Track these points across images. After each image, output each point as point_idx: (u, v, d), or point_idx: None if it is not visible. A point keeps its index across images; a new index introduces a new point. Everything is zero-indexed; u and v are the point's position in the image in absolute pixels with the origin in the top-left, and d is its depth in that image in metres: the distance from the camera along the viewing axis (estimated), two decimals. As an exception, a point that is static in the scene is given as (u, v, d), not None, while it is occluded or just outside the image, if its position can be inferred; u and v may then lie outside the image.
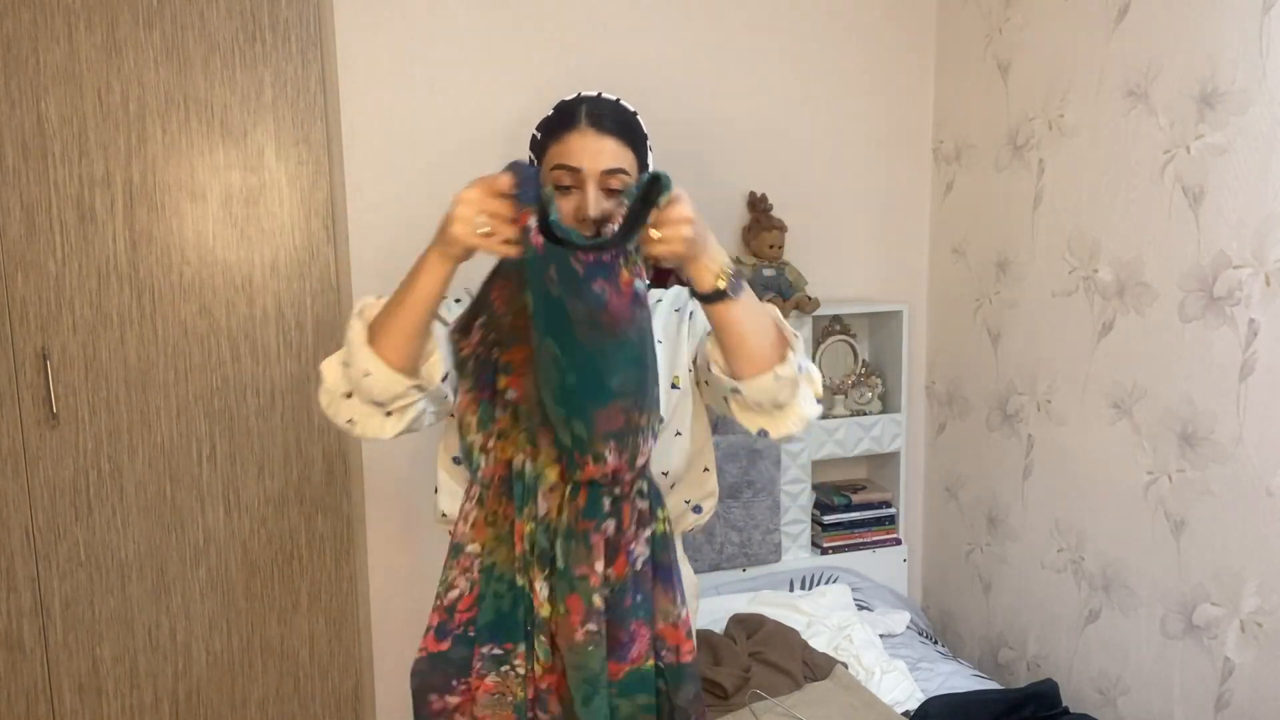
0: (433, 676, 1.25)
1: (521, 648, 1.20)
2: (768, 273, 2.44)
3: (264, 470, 2.20)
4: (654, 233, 1.07)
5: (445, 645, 1.24)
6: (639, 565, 1.18)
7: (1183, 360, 1.92)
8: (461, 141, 2.25)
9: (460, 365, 1.17)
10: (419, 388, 1.17)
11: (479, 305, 1.14)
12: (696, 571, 2.43)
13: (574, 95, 1.32)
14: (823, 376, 2.63)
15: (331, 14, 2.14)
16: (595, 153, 1.23)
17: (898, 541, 2.67)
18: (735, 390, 1.18)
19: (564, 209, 1.21)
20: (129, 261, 2.05)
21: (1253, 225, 1.76)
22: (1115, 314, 2.08)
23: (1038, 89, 2.27)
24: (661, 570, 1.21)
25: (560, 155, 1.25)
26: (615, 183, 1.24)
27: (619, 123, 1.29)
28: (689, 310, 1.37)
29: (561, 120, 1.28)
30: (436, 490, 1.42)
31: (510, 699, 1.20)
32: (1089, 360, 2.16)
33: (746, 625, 2.16)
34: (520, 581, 1.19)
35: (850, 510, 2.62)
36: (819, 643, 2.16)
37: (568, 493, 1.16)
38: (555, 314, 1.05)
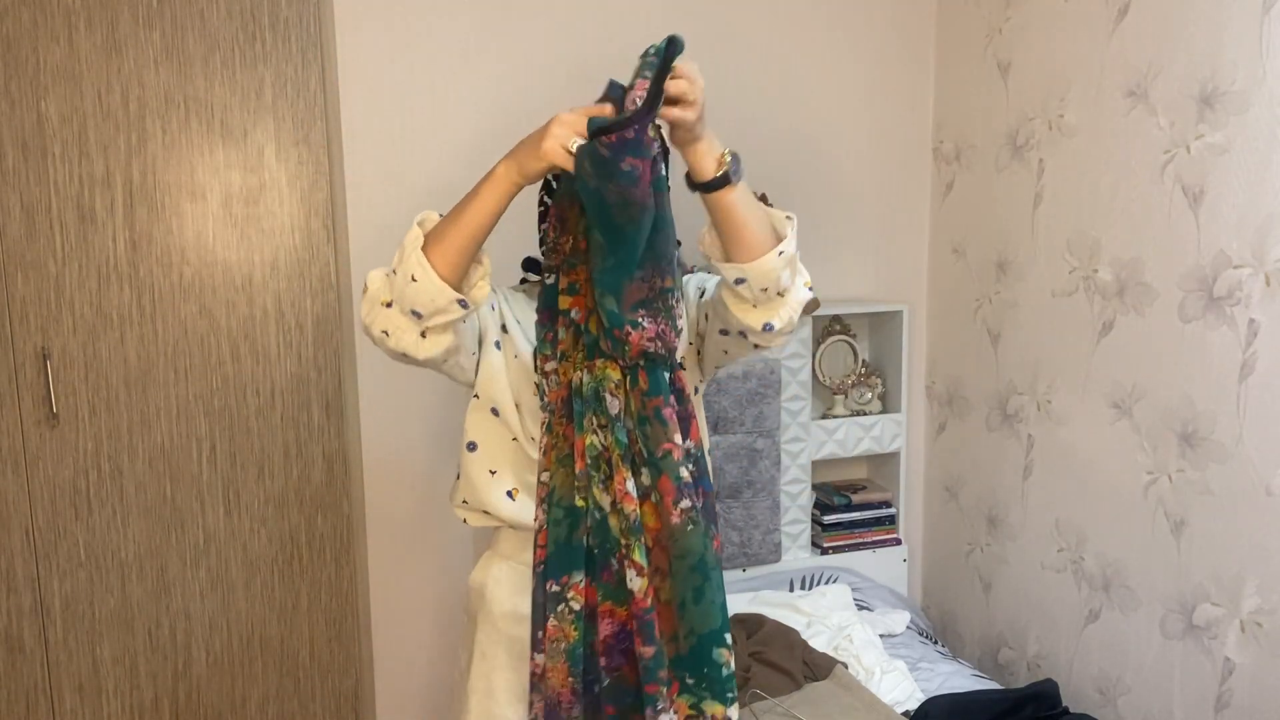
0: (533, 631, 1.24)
1: (578, 577, 1.17)
2: (768, 273, 2.44)
3: (264, 470, 2.20)
4: (675, 84, 1.10)
5: (534, 588, 1.22)
6: (705, 433, 1.22)
7: (1183, 360, 1.92)
8: (461, 141, 2.25)
9: (540, 280, 1.22)
10: (462, 304, 1.19)
11: (544, 234, 1.19)
12: (696, 571, 2.44)
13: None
14: (823, 376, 2.62)
15: (331, 14, 2.14)
16: None
17: (898, 541, 2.67)
18: (740, 280, 1.19)
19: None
20: (129, 261, 2.05)
21: (1253, 225, 1.76)
22: (1115, 314, 2.08)
23: (1038, 89, 2.27)
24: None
25: None
26: None
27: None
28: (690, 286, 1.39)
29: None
30: (459, 476, 1.43)
31: (564, 644, 1.17)
32: (1089, 360, 2.16)
33: (746, 625, 2.16)
34: (580, 502, 1.18)
35: (850, 510, 2.62)
36: (819, 643, 2.16)
37: (629, 382, 1.18)
38: (597, 205, 1.11)
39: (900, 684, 2.06)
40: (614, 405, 1.18)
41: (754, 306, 1.23)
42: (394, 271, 1.20)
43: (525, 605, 1.32)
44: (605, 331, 1.18)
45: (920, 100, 2.66)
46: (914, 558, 2.80)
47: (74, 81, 1.98)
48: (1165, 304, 1.95)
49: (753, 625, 2.16)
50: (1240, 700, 1.84)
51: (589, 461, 1.18)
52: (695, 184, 1.18)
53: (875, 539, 2.64)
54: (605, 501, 1.18)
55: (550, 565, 1.19)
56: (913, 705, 1.98)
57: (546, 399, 1.24)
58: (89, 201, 2.01)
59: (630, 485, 1.17)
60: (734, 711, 1.21)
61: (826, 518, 2.60)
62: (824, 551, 2.59)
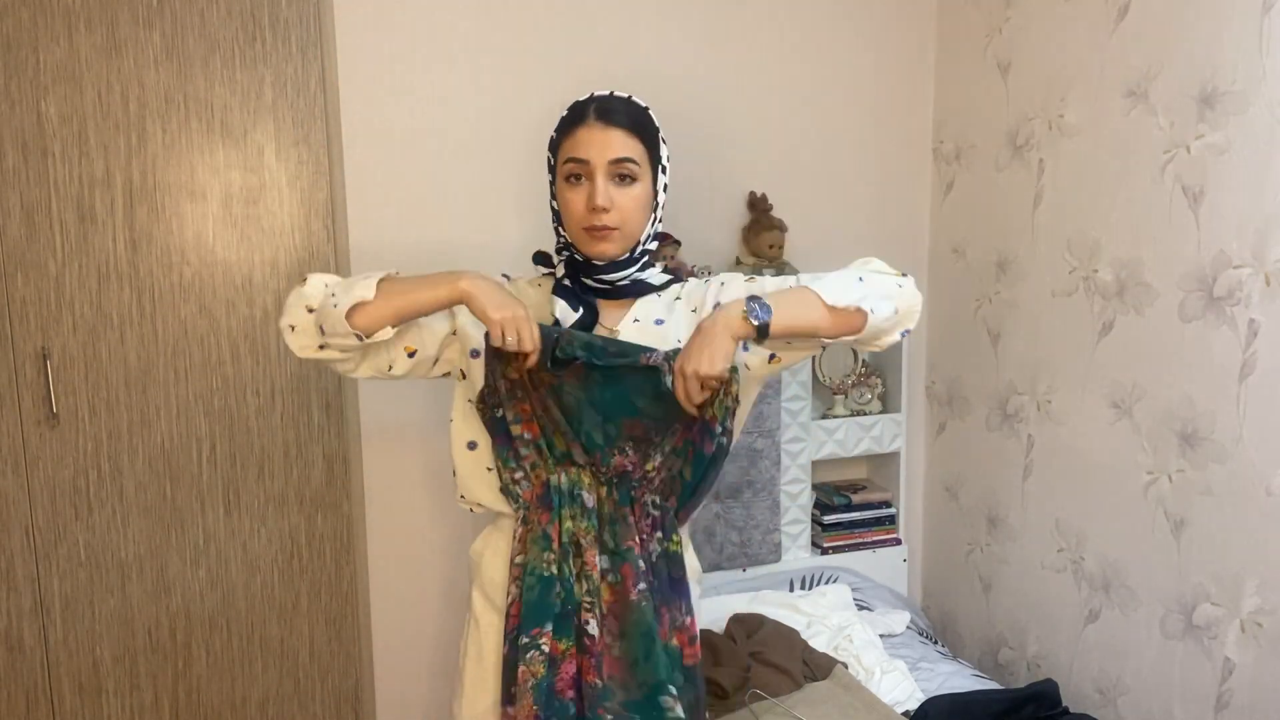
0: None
1: (548, 628, 1.36)
2: (768, 273, 2.44)
3: (264, 470, 2.20)
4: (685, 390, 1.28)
5: (506, 650, 1.41)
6: (654, 558, 1.39)
7: (1183, 360, 1.92)
8: (461, 142, 2.25)
9: (486, 427, 1.43)
10: (359, 337, 1.33)
11: (487, 386, 1.40)
12: (696, 571, 2.44)
13: (587, 95, 1.41)
14: (823, 376, 2.61)
15: (331, 14, 2.14)
16: (602, 144, 1.34)
17: (898, 541, 2.67)
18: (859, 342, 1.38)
19: (575, 199, 1.37)
20: (129, 261, 2.05)
21: (1253, 225, 1.76)
22: (1115, 314, 2.08)
23: (1038, 89, 2.27)
24: (674, 582, 1.40)
25: (570, 149, 1.36)
26: (623, 170, 1.35)
27: (626, 115, 1.38)
28: (708, 306, 1.44)
29: (572, 118, 1.39)
30: (455, 474, 1.52)
31: (531, 682, 1.35)
32: (1089, 360, 2.16)
33: (746, 625, 2.16)
34: (552, 571, 1.38)
35: (850, 510, 2.62)
36: (819, 643, 2.16)
37: (604, 492, 1.40)
38: (594, 350, 1.34)
39: (900, 684, 2.06)
40: (590, 500, 1.40)
41: (889, 336, 1.40)
42: (333, 295, 1.34)
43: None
44: (597, 446, 1.39)
45: (920, 100, 2.66)
46: (914, 558, 2.80)
47: (74, 81, 1.98)
48: (1165, 304, 1.95)
49: (753, 625, 2.16)
50: (1240, 700, 1.85)
51: (563, 543, 1.39)
52: (759, 344, 1.34)
53: (875, 539, 2.64)
54: (572, 572, 1.39)
55: (524, 623, 1.37)
56: (913, 705, 1.98)
57: (522, 498, 1.42)
58: (89, 201, 2.01)
59: (598, 562, 1.39)
60: None
61: (826, 518, 2.60)
62: (824, 551, 2.59)
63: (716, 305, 1.38)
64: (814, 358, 2.55)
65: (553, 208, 1.44)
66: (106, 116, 2.01)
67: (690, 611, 1.41)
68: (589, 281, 1.42)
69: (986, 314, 2.50)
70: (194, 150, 2.08)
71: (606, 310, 1.44)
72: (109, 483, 2.10)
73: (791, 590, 2.46)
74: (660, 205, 1.44)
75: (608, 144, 1.34)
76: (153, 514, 2.14)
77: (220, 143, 2.09)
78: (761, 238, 2.44)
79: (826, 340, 1.35)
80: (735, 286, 1.44)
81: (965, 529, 2.63)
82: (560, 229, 1.44)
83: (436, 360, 1.46)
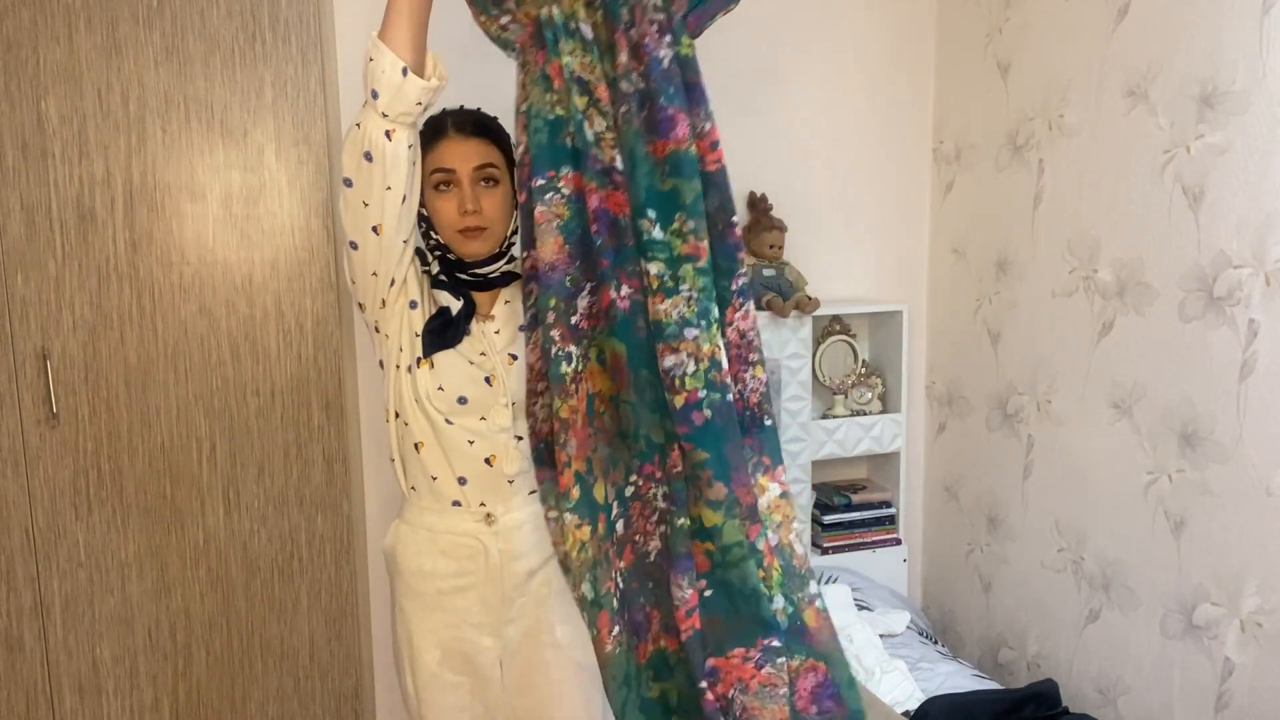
0: None
1: (565, 169, 1.34)
2: (768, 273, 2.44)
3: (264, 470, 2.20)
4: None
5: (522, 197, 1.39)
6: (664, 63, 1.30)
7: (1183, 360, 1.92)
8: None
9: None
10: (405, 71, 1.35)
11: None
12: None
13: (439, 111, 1.54)
14: (823, 376, 2.61)
15: (331, 14, 2.13)
16: (465, 154, 1.49)
17: (898, 541, 2.67)
18: None
19: (446, 206, 1.49)
20: (129, 261, 2.05)
21: (1253, 225, 1.76)
22: (1115, 314, 2.08)
23: (1038, 89, 2.27)
24: (690, 88, 1.32)
25: (436, 161, 1.50)
26: (486, 174, 1.49)
27: (482, 126, 1.54)
28: None
29: (432, 132, 1.51)
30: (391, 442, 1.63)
31: (557, 222, 1.34)
32: (1089, 360, 2.16)
33: (746, 625, 2.16)
34: (559, 113, 1.33)
35: (850, 510, 2.62)
36: (819, 643, 2.16)
37: (599, 17, 1.32)
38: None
39: (900, 684, 2.06)
40: (588, 31, 1.32)
41: None
42: (368, 75, 1.36)
43: (430, 563, 1.58)
44: None
45: (920, 100, 2.66)
46: (914, 558, 2.80)
47: (74, 81, 1.98)
48: (1165, 304, 1.95)
49: (753, 625, 2.16)
50: (1240, 700, 1.85)
51: (566, 78, 1.32)
52: None
53: (875, 539, 2.64)
54: (582, 105, 1.32)
55: (533, 166, 1.33)
56: (913, 705, 1.98)
57: (516, 41, 1.37)
58: (89, 201, 2.01)
59: (608, 94, 1.32)
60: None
61: (826, 518, 2.60)
62: (824, 551, 2.59)
63: None
64: (814, 357, 2.55)
65: (420, 214, 1.54)
66: (106, 116, 2.01)
67: (709, 118, 1.36)
68: (463, 276, 1.56)
69: (986, 314, 2.50)
70: (194, 150, 2.08)
71: (481, 299, 1.59)
72: (109, 483, 2.10)
73: (791, 590, 2.46)
74: (518, 204, 1.52)
75: (470, 153, 1.49)
76: (153, 514, 2.14)
77: (220, 143, 2.09)
78: (761, 238, 2.44)
79: None
80: None
81: (965, 529, 2.63)
82: (431, 233, 1.56)
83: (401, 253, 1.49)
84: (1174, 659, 1.98)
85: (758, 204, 2.48)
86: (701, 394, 1.32)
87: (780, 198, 2.51)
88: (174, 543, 2.16)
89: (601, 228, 1.34)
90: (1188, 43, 1.87)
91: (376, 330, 1.57)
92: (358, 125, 1.38)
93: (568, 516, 1.39)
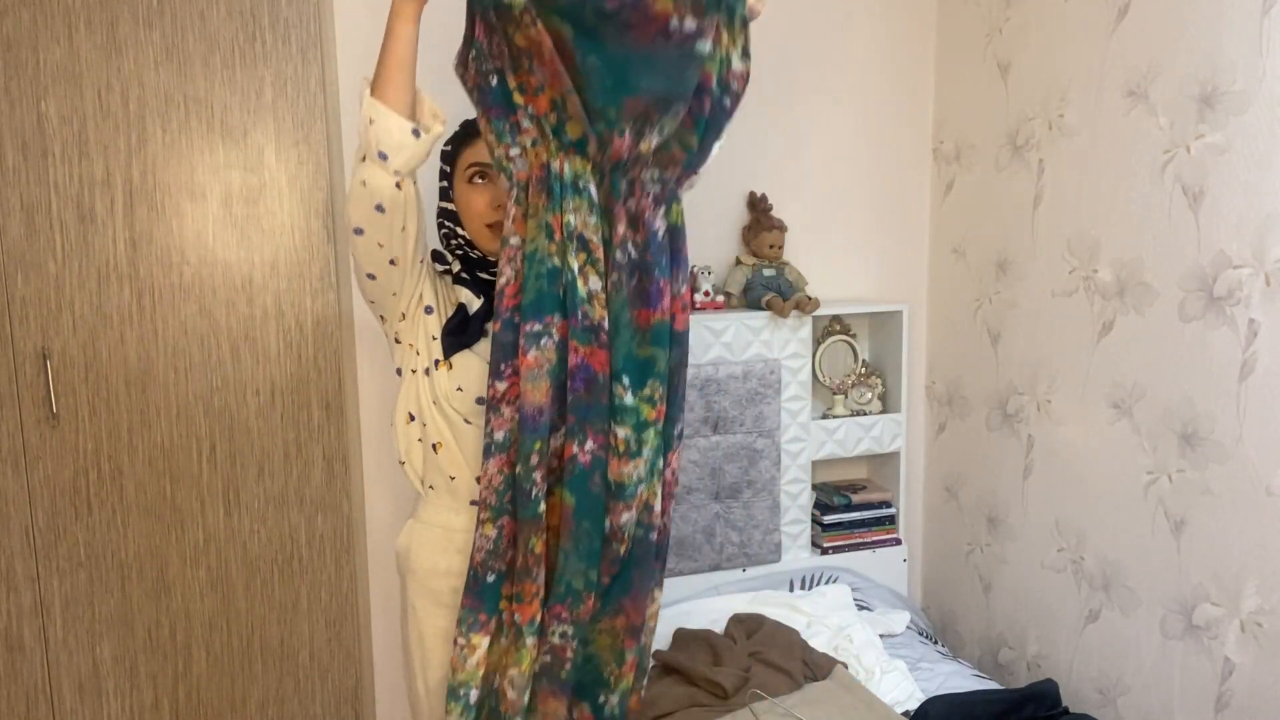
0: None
1: (557, 318, 1.38)
2: (768, 273, 2.44)
3: (264, 470, 2.21)
4: None
5: (496, 327, 1.41)
6: (659, 237, 1.38)
7: (1183, 360, 1.92)
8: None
9: (471, 94, 1.38)
10: (415, 132, 1.37)
11: (467, 43, 1.35)
12: (696, 572, 2.44)
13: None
14: (823, 376, 2.61)
15: (331, 14, 2.14)
16: None
17: (898, 541, 2.67)
18: None
19: (478, 198, 1.52)
20: (129, 261, 2.05)
21: (1253, 225, 1.76)
22: (1115, 314, 2.08)
23: (1038, 89, 2.27)
24: (675, 254, 1.42)
25: (472, 156, 1.53)
26: None
27: None
28: None
29: (469, 130, 1.55)
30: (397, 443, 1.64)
31: (548, 367, 1.38)
32: (1089, 360, 2.16)
33: (746, 625, 2.16)
34: (557, 263, 1.37)
35: (850, 510, 2.62)
36: (819, 643, 2.16)
37: (605, 183, 1.39)
38: (592, 35, 1.27)
39: (900, 684, 2.06)
40: (594, 193, 1.37)
41: None
42: (363, 134, 1.38)
43: (445, 562, 1.58)
44: (598, 132, 1.33)
45: (920, 100, 2.66)
46: (914, 558, 2.80)
47: (74, 81, 1.98)
48: (1165, 304, 1.95)
49: (753, 625, 2.16)
50: (1240, 700, 1.85)
51: (565, 234, 1.36)
52: None
53: (875, 539, 2.64)
54: (576, 267, 1.37)
55: (528, 310, 1.38)
56: (913, 705, 1.98)
57: (515, 177, 1.38)
58: (89, 201, 2.01)
59: (603, 252, 1.39)
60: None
61: (826, 518, 2.60)
62: (824, 551, 2.59)
63: None
64: (814, 357, 2.55)
65: (445, 209, 1.59)
66: (106, 116, 2.01)
67: (686, 280, 1.44)
68: (485, 275, 1.57)
69: (986, 314, 2.50)
70: (194, 150, 2.08)
71: None
72: (109, 483, 2.10)
73: (791, 590, 2.46)
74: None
75: None
76: (153, 514, 2.14)
77: (220, 143, 2.09)
78: (761, 238, 2.44)
79: None
80: None
81: (965, 529, 2.63)
82: (457, 229, 1.58)
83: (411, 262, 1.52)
84: (1174, 659, 1.98)
85: (758, 204, 2.48)
86: (637, 534, 1.47)
87: (780, 198, 2.51)
88: (174, 543, 2.16)
89: (579, 383, 1.39)
90: (1188, 43, 1.87)
91: (397, 341, 1.59)
92: (363, 184, 1.38)
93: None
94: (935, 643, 2.41)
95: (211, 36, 2.05)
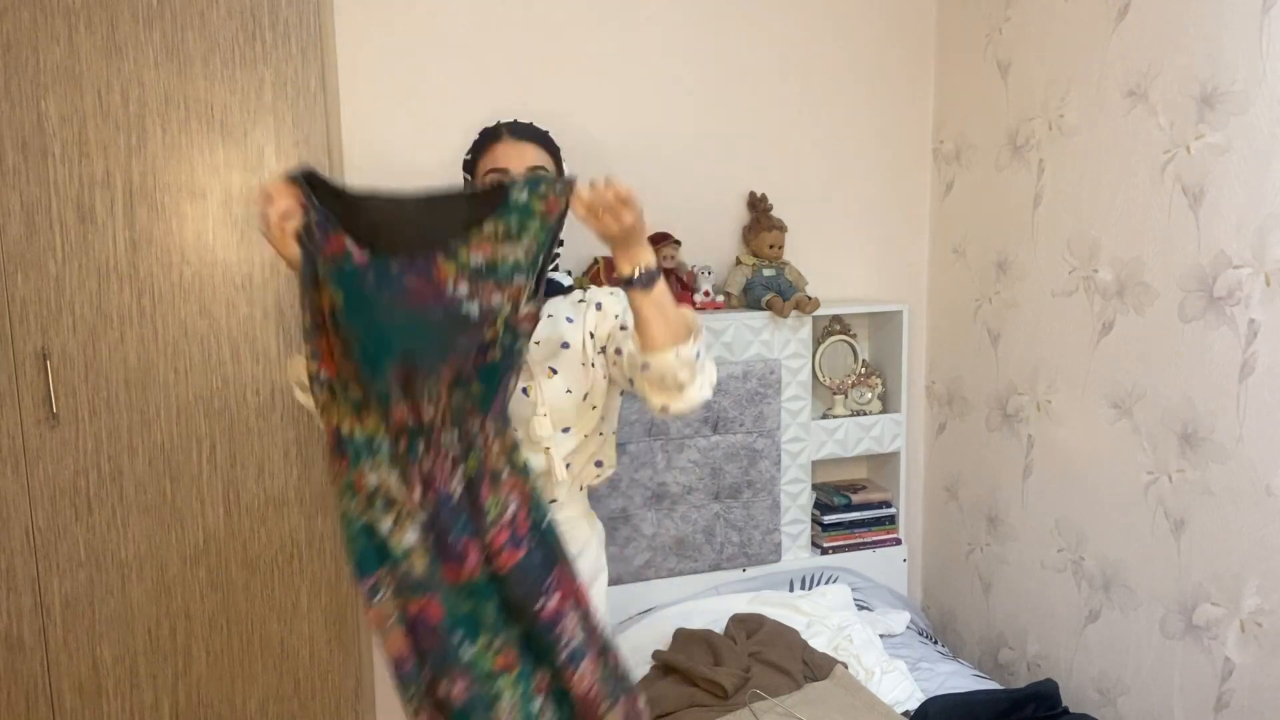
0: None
1: (384, 569, 1.38)
2: (768, 273, 2.44)
3: (264, 470, 2.21)
4: (584, 193, 1.31)
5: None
6: (455, 499, 1.37)
7: (1183, 360, 1.92)
8: (461, 142, 2.24)
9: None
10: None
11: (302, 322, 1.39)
12: (695, 572, 2.45)
13: (494, 123, 1.60)
14: (823, 376, 2.62)
15: (331, 14, 2.14)
16: (519, 155, 1.53)
17: (898, 541, 2.67)
18: (644, 365, 1.42)
19: None
20: (129, 261, 2.05)
21: (1253, 225, 1.76)
22: (1115, 314, 2.08)
23: (1038, 89, 2.27)
24: (477, 507, 1.39)
25: (491, 162, 1.54)
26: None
27: (535, 133, 1.58)
28: (595, 302, 1.61)
29: (487, 137, 1.58)
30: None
31: (393, 618, 1.39)
32: (1089, 360, 2.16)
33: (746, 625, 2.16)
34: (368, 521, 1.38)
35: (850, 510, 2.62)
36: (819, 643, 2.16)
37: (394, 442, 1.39)
38: (365, 304, 1.31)
39: (900, 684, 2.06)
40: (387, 447, 1.38)
41: (656, 389, 1.44)
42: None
43: None
44: (379, 400, 1.35)
45: (920, 100, 2.66)
46: (914, 558, 2.80)
47: (74, 81, 1.98)
48: (1165, 304, 1.95)
49: (753, 625, 2.16)
50: (1240, 700, 1.85)
51: (368, 493, 1.38)
52: (617, 280, 1.41)
53: (875, 539, 2.63)
54: (388, 525, 1.38)
55: (357, 570, 1.39)
56: (913, 705, 1.98)
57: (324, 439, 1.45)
58: (89, 201, 2.01)
59: (415, 512, 1.38)
60: None
61: (826, 518, 2.60)
62: (824, 551, 2.59)
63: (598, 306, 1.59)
64: (814, 357, 2.55)
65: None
66: (106, 116, 2.01)
67: (495, 524, 1.39)
68: None
69: (986, 314, 2.50)
70: (194, 150, 2.08)
71: None
72: (109, 483, 2.10)
73: (791, 590, 2.46)
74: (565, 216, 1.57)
75: (524, 155, 1.52)
76: (153, 514, 2.14)
77: (220, 143, 2.09)
78: (761, 238, 2.44)
79: (646, 359, 1.42)
80: (608, 301, 1.61)
81: (965, 529, 2.63)
82: None
83: None
84: (1174, 659, 1.98)
85: (758, 204, 2.48)
86: None
87: (780, 198, 2.51)
88: (174, 543, 2.16)
89: (421, 635, 1.38)
90: (1188, 43, 1.87)
91: None
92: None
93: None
94: (935, 643, 2.41)
95: (211, 36, 2.05)
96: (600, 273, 2.29)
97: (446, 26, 2.22)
